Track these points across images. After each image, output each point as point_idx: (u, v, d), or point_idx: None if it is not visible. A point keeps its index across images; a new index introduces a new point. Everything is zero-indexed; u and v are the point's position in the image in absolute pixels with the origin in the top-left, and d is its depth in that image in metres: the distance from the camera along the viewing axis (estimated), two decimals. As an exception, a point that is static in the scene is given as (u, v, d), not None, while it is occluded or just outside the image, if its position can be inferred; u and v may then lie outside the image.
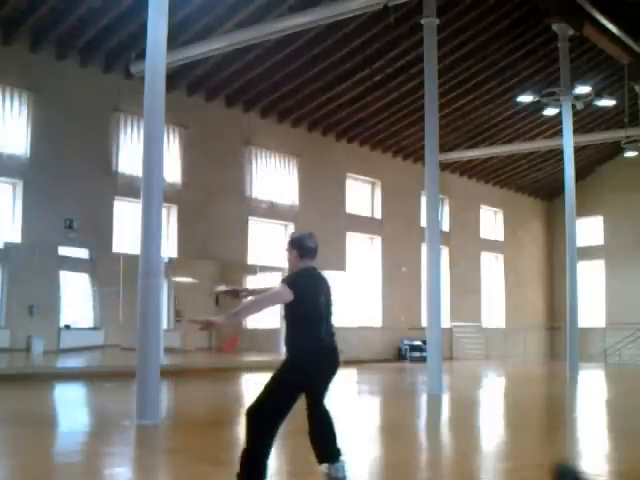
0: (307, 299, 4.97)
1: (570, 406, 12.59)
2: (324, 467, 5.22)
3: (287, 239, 5.25)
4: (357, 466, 6.18)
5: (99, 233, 17.42)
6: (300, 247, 5.11)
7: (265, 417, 4.88)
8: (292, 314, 5.02)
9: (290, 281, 4.97)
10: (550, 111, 19.56)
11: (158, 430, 8.48)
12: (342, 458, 5.26)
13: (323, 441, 5.19)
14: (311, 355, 4.98)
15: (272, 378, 5.00)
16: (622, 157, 24.81)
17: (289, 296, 4.90)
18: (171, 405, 11.38)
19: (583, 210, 23.86)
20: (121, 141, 17.96)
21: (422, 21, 14.19)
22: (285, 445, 6.90)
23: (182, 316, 20.70)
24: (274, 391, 4.94)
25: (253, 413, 4.89)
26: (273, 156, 21.58)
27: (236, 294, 5.34)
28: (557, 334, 28.72)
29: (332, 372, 5.12)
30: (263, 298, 5.08)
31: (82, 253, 18.49)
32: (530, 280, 31.43)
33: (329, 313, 5.12)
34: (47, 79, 16.54)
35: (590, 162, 29.32)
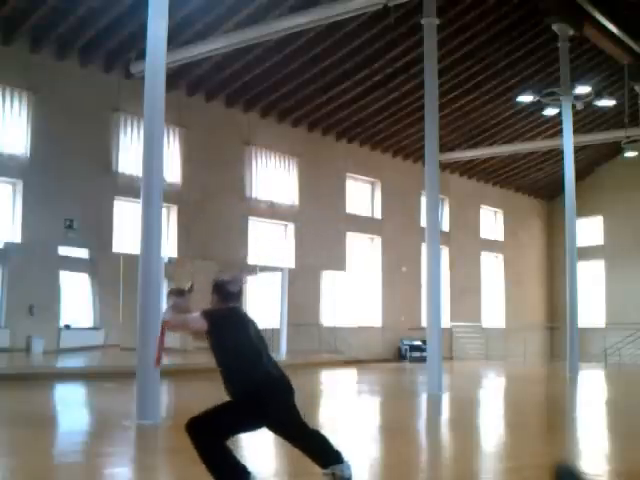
0: (231, 330, 4.79)
1: (570, 406, 12.59)
2: (327, 470, 5.12)
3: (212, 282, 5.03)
4: (357, 466, 6.18)
5: (99, 233, 17.41)
6: (220, 292, 4.91)
7: (207, 431, 4.70)
8: (222, 350, 4.81)
9: (205, 312, 4.79)
10: (550, 111, 19.56)
11: (158, 430, 8.48)
12: (345, 459, 5.20)
13: (320, 453, 5.08)
14: (262, 385, 4.74)
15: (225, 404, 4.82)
16: (622, 157, 24.79)
17: (202, 324, 4.73)
18: (171, 405, 11.38)
19: (583, 210, 23.86)
20: (121, 141, 17.95)
21: (422, 21, 14.20)
22: (285, 445, 6.90)
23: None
24: (225, 412, 4.77)
25: (193, 426, 4.73)
26: (273, 156, 21.57)
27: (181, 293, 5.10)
28: (557, 334, 28.70)
29: (286, 400, 4.88)
30: (183, 318, 4.91)
31: (82, 253, 18.50)
32: (530, 280, 31.43)
33: (265, 345, 4.94)
34: (47, 79, 16.53)
35: (590, 162, 29.32)
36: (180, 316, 4.91)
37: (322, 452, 5.07)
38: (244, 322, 4.85)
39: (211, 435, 4.72)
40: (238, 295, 4.90)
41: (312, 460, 5.10)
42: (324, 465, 5.06)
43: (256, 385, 4.72)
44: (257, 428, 4.99)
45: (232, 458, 4.83)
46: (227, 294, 4.88)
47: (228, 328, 4.78)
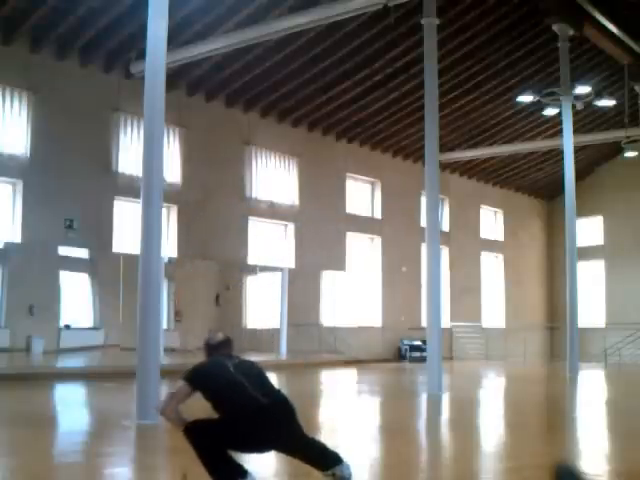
0: (209, 377, 5.00)
1: (570, 406, 12.59)
2: (328, 471, 5.17)
3: None
4: (357, 466, 6.18)
5: (99, 233, 17.41)
6: (205, 349, 5.24)
7: (205, 440, 4.83)
8: (210, 398, 4.97)
9: (184, 376, 5.02)
10: (550, 111, 19.55)
11: (158, 430, 8.48)
12: (344, 459, 5.24)
13: (319, 459, 5.15)
14: (249, 417, 4.83)
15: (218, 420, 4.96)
16: (622, 157, 24.80)
17: (186, 388, 4.95)
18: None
19: (583, 210, 23.85)
20: (121, 141, 17.95)
21: (422, 21, 14.19)
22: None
23: (182, 316, 20.71)
24: (220, 427, 4.89)
25: (191, 432, 4.85)
26: (273, 156, 21.57)
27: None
28: (557, 334, 28.70)
29: (281, 424, 4.95)
30: (170, 394, 5.12)
31: (82, 253, 18.51)
32: (530, 280, 31.43)
33: (254, 376, 5.04)
34: (47, 79, 16.54)
35: (590, 162, 29.32)
36: (167, 396, 5.15)
37: (321, 457, 5.16)
38: (220, 365, 5.02)
39: (208, 443, 4.82)
40: (217, 346, 5.18)
41: (312, 466, 5.17)
42: (324, 468, 5.12)
43: (245, 418, 4.82)
44: (254, 452, 5.14)
45: (230, 459, 4.89)
46: (209, 348, 5.20)
47: (206, 377, 5.01)
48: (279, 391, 5.07)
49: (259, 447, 5.05)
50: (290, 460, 6.27)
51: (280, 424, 4.92)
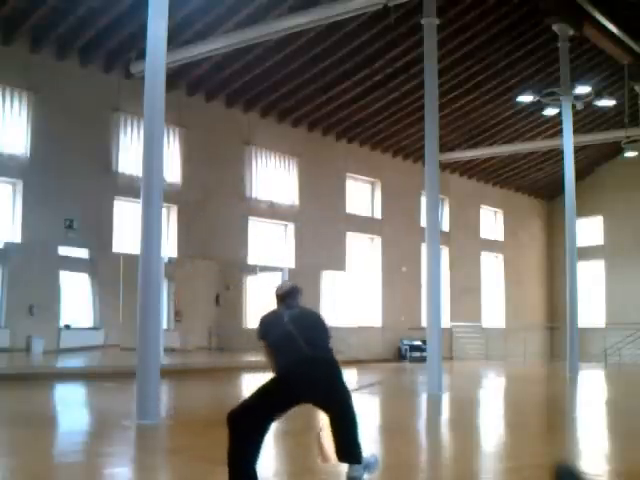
0: (268, 330, 5.22)
1: (570, 406, 12.59)
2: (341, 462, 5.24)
3: None
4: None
5: (99, 233, 17.41)
6: (275, 298, 5.40)
7: (244, 419, 4.91)
8: (271, 352, 5.21)
9: (257, 336, 5.28)
10: (550, 111, 19.56)
11: (158, 430, 8.48)
12: (360, 463, 5.23)
13: (342, 440, 5.22)
14: (292, 366, 5.02)
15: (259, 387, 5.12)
16: (622, 157, 24.79)
17: (264, 345, 5.23)
18: (171, 405, 11.39)
19: (583, 210, 23.86)
20: (121, 141, 17.95)
21: (422, 21, 14.19)
22: (284, 445, 6.91)
23: (182, 316, 20.71)
24: (257, 394, 5.02)
25: (232, 415, 4.93)
26: (273, 156, 21.57)
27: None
28: (557, 334, 28.70)
29: (316, 379, 5.05)
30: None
31: (82, 253, 18.49)
32: (530, 280, 31.42)
33: (306, 326, 5.20)
34: (47, 79, 16.54)
35: (590, 162, 29.32)
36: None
37: (345, 443, 5.18)
38: (277, 316, 5.22)
39: (251, 419, 4.85)
40: (283, 296, 5.32)
41: (336, 444, 5.17)
42: (340, 456, 5.19)
43: (288, 367, 5.00)
44: (294, 404, 5.15)
45: (252, 471, 4.87)
46: (276, 298, 5.36)
47: (265, 328, 5.24)
48: (327, 348, 5.17)
49: (295, 400, 5.09)
50: (289, 459, 6.27)
51: (318, 378, 5.01)
